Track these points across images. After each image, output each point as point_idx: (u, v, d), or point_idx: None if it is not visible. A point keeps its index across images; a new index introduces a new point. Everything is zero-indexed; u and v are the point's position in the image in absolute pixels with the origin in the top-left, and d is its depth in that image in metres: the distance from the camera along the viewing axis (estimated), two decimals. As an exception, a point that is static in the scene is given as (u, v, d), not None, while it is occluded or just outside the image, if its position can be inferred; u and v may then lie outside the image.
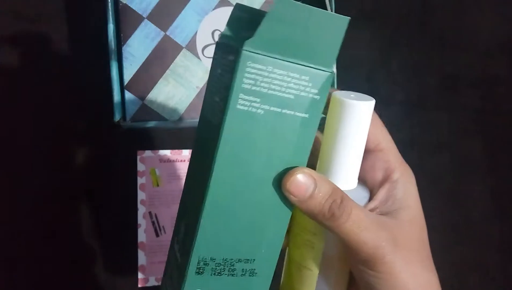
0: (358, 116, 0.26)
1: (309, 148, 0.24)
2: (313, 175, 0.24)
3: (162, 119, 0.48)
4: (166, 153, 0.52)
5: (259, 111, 0.22)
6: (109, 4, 0.47)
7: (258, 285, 0.25)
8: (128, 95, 0.48)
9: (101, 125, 0.52)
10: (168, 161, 0.52)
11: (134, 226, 0.51)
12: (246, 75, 0.21)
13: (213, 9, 0.48)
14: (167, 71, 0.48)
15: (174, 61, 0.48)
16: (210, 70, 0.25)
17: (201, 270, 0.24)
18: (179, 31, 0.48)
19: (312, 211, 0.24)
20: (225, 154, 0.23)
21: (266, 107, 0.22)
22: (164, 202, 0.51)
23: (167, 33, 0.48)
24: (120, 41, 0.48)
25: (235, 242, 0.24)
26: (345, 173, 0.27)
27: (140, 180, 0.51)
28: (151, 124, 0.49)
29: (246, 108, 0.22)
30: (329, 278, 0.28)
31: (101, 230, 0.52)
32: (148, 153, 0.52)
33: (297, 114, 0.23)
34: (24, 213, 0.51)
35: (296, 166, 0.24)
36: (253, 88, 0.22)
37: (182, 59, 0.48)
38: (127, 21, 0.47)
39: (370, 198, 0.28)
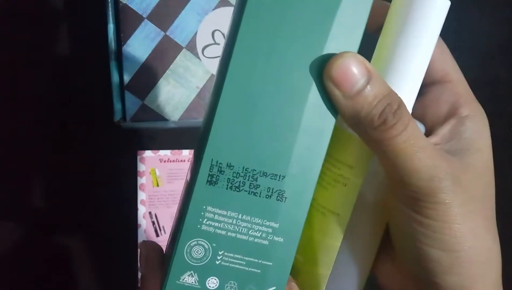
0: (432, 11, 0.21)
1: (360, 32, 0.19)
2: (368, 66, 0.18)
3: (162, 119, 0.48)
4: (166, 153, 0.52)
5: None
6: (109, 4, 0.47)
7: (288, 217, 0.19)
8: (128, 95, 0.48)
9: (101, 125, 0.52)
10: (168, 161, 0.52)
11: (134, 226, 0.51)
12: None
13: (213, 9, 0.48)
14: (167, 71, 0.48)
15: (174, 61, 0.48)
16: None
17: (214, 179, 0.18)
18: (179, 31, 0.48)
19: (358, 113, 0.18)
20: (249, 22, 0.18)
21: None
22: (164, 202, 0.51)
23: (167, 33, 0.48)
24: (120, 41, 0.48)
25: (260, 147, 0.18)
26: (404, 81, 0.21)
27: (140, 180, 0.51)
28: (151, 124, 0.49)
29: None
30: (360, 230, 0.22)
31: (101, 230, 0.52)
32: (148, 153, 0.52)
33: None
34: (23, 213, 0.51)
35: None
36: None
37: (182, 59, 0.48)
38: (127, 21, 0.47)
39: (429, 135, 0.22)
